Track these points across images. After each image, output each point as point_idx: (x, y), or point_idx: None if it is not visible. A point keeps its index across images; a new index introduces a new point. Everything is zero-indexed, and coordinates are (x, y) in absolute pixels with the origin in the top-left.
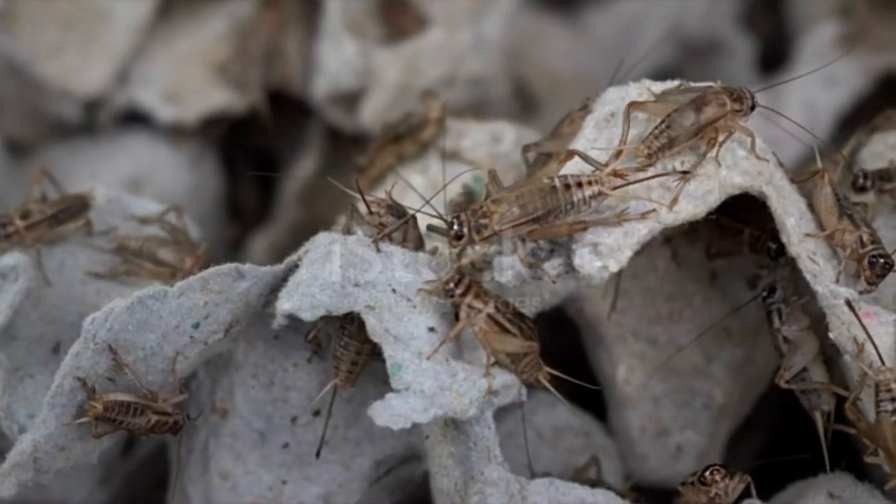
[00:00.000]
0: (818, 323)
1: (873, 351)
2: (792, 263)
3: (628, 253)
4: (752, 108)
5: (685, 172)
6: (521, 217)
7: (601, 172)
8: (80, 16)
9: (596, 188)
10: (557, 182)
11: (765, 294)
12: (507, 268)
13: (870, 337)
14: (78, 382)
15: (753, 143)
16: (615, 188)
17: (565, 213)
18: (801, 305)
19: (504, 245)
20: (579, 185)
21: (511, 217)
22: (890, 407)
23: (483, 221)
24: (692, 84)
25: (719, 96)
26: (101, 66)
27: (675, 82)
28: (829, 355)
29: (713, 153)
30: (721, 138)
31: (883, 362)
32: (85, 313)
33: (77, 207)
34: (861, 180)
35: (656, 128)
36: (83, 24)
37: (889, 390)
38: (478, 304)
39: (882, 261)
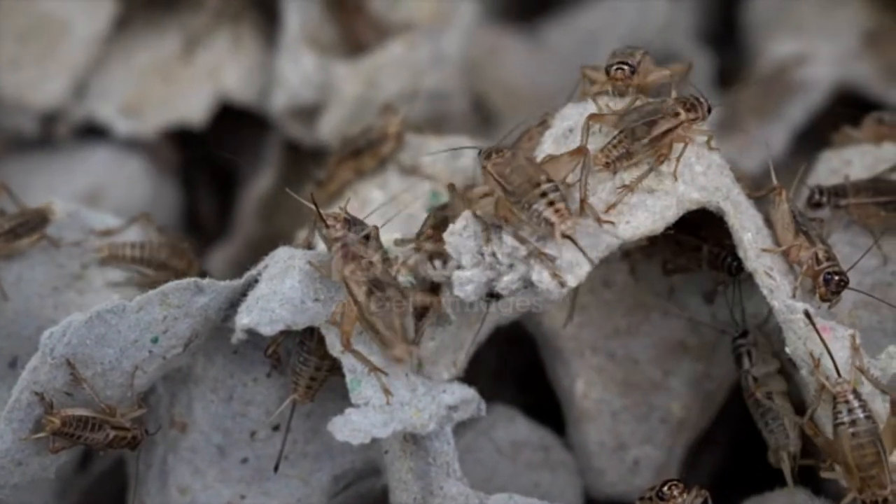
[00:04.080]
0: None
1: (830, 365)
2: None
3: (586, 268)
4: (709, 111)
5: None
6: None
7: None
8: (37, 29)
9: None
10: None
11: (736, 335)
12: (466, 282)
13: (827, 349)
14: (35, 397)
15: (710, 140)
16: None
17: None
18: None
19: (463, 258)
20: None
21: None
22: (847, 419)
23: None
24: (649, 99)
25: (674, 107)
26: (59, 80)
27: (633, 96)
28: (789, 372)
29: (671, 168)
30: (679, 149)
31: (839, 375)
32: (43, 327)
33: (35, 222)
34: (816, 196)
35: (614, 138)
36: (40, 37)
37: (846, 401)
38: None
39: (837, 278)
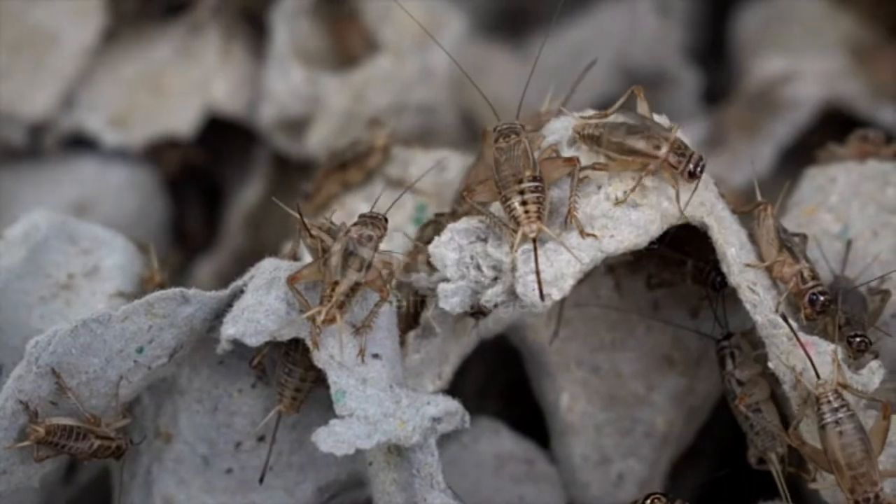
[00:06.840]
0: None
1: (811, 372)
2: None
3: (571, 281)
4: (691, 175)
5: None
6: None
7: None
8: (26, 40)
9: None
10: None
11: (719, 338)
12: (451, 295)
13: (809, 357)
14: (20, 406)
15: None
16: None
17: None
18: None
19: (448, 271)
20: None
21: None
22: (831, 418)
23: None
24: (654, 119)
25: (661, 140)
26: (47, 90)
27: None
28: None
29: (654, 183)
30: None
31: (818, 377)
32: (29, 337)
33: None
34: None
35: (598, 122)
36: (29, 48)
37: (829, 401)
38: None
39: (822, 298)
